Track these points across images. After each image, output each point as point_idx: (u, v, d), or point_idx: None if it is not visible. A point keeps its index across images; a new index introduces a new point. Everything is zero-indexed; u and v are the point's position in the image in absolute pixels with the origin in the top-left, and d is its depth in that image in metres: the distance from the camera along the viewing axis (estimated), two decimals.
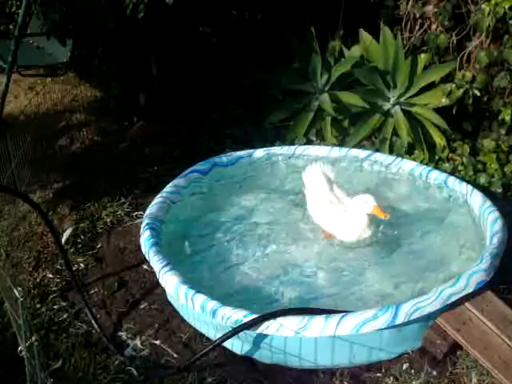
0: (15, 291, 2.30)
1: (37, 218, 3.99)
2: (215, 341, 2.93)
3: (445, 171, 4.21)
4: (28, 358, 2.39)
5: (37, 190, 4.38)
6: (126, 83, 5.41)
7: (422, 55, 4.76)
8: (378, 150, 4.53)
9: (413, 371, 2.93)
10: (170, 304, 3.37)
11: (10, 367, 2.87)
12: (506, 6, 4.20)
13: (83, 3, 4.42)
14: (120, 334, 3.23)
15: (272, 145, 4.59)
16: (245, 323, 2.82)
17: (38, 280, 3.58)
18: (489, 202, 3.59)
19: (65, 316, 3.33)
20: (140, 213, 4.06)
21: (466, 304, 3.00)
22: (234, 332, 2.85)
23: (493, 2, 4.24)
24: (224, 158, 4.21)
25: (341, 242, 3.60)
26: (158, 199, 3.74)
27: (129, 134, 5.18)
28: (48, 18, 4.60)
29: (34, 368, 2.43)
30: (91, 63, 5.49)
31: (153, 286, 3.50)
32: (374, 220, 3.53)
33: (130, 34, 4.77)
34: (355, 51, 4.94)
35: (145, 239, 3.39)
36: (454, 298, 2.93)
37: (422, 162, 4.39)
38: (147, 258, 3.34)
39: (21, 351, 2.43)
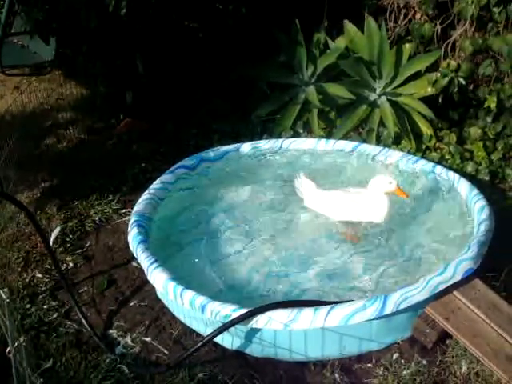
0: (1, 292, 2.29)
1: (25, 218, 3.97)
2: (205, 337, 2.93)
3: (432, 160, 4.22)
4: (15, 358, 2.38)
5: (24, 190, 4.35)
6: (112, 80, 5.38)
7: (407, 45, 4.76)
8: (365, 141, 4.54)
9: (403, 361, 2.95)
10: (159, 301, 3.37)
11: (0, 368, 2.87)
12: None
13: (66, 1, 4.39)
14: (110, 331, 3.23)
15: (259, 138, 4.59)
16: (234, 318, 2.82)
17: (27, 280, 3.56)
18: (476, 190, 3.61)
19: (55, 315, 3.33)
20: (128, 210, 4.05)
21: (455, 292, 3.01)
22: (224, 327, 2.85)
23: None
24: (211, 153, 4.20)
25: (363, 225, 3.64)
26: (145, 196, 3.73)
27: (116, 132, 5.16)
28: (31, 17, 4.57)
29: (23, 368, 2.43)
30: (76, 61, 5.46)
31: (142, 284, 3.49)
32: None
33: (114, 31, 4.74)
34: (340, 43, 4.94)
35: (132, 236, 3.38)
36: (441, 287, 2.94)
37: (409, 152, 4.40)
38: (135, 255, 3.33)
39: (9, 352, 2.43)
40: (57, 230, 3.91)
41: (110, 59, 5.20)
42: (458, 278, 2.98)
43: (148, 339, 3.16)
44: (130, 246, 3.40)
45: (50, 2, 4.48)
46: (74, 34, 4.87)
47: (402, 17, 4.90)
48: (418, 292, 2.87)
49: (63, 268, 3.62)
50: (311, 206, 3.75)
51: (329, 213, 3.68)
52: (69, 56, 5.48)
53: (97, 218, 4.08)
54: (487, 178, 4.30)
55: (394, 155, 4.14)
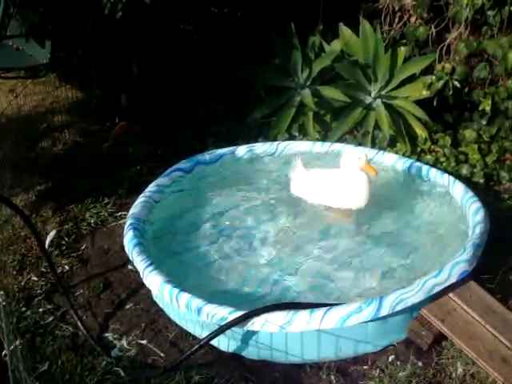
0: None
1: (20, 221, 3.96)
2: (202, 340, 2.93)
3: (427, 163, 4.23)
4: (11, 361, 2.38)
5: (19, 193, 4.34)
6: (107, 83, 5.37)
7: (402, 48, 4.78)
8: (360, 144, 4.55)
9: (399, 363, 2.95)
10: (155, 303, 3.37)
11: None
12: None
13: (62, 4, 4.39)
14: (106, 334, 3.22)
15: (255, 141, 4.59)
16: (230, 321, 2.83)
17: (22, 283, 3.56)
18: (471, 193, 3.62)
19: (50, 319, 3.31)
20: (124, 213, 4.04)
21: (450, 294, 3.02)
22: (221, 330, 2.85)
23: None
24: (207, 156, 4.21)
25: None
26: (140, 199, 3.74)
27: (111, 134, 5.16)
28: (26, 20, 4.56)
29: (19, 371, 2.43)
30: (72, 64, 5.46)
31: (138, 286, 3.49)
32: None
33: (109, 33, 4.74)
34: (335, 46, 4.95)
35: (128, 239, 3.38)
36: (437, 289, 2.94)
37: (404, 155, 4.41)
38: (131, 258, 3.34)
39: (5, 355, 2.43)
40: (52, 233, 3.90)
41: (105, 62, 5.20)
42: (453, 279, 2.99)
43: (144, 342, 3.15)
44: (126, 248, 3.40)
45: (45, 5, 4.47)
46: (70, 36, 4.87)
47: (396, 20, 4.92)
48: (413, 294, 2.88)
49: (59, 271, 3.62)
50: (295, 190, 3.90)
51: (309, 197, 3.85)
52: (64, 59, 5.47)
53: (92, 221, 4.08)
54: (482, 181, 4.31)
55: (389, 158, 4.16)
